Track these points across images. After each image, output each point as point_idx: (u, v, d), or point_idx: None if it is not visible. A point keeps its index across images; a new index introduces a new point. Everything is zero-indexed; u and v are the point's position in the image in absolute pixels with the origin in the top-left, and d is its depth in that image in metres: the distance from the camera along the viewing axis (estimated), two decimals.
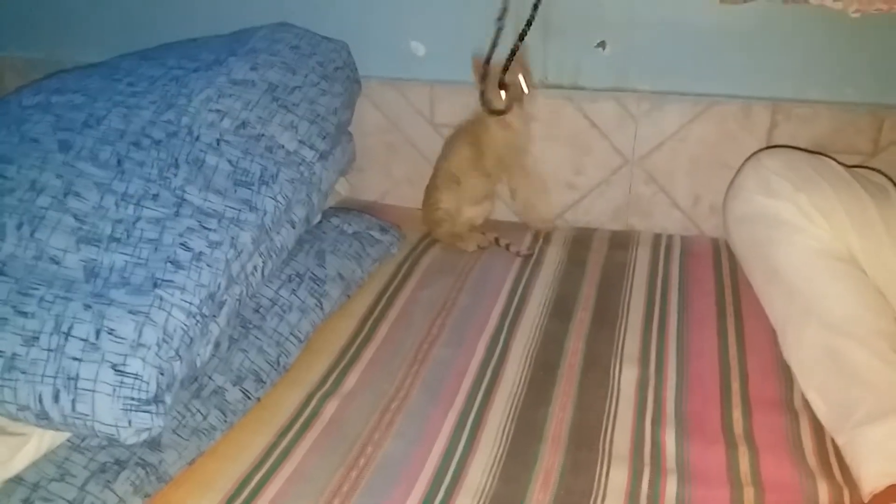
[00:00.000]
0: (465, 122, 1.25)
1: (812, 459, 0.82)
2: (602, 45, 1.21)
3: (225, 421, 0.87)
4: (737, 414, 0.89)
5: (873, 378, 0.80)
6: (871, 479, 0.75)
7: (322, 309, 1.05)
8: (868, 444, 0.77)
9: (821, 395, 0.84)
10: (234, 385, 0.90)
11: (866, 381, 0.80)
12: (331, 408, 0.92)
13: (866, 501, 0.74)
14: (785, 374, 0.93)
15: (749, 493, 0.78)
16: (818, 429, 0.85)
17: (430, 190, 1.29)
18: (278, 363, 0.96)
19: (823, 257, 0.90)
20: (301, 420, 0.90)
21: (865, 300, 0.86)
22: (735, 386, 0.93)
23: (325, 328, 1.05)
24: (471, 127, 1.24)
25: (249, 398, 0.91)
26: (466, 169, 1.24)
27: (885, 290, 0.87)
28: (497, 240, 1.27)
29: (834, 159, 0.99)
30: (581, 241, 1.28)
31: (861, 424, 0.77)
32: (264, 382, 0.93)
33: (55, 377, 0.74)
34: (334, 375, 0.97)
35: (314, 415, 0.91)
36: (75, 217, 0.86)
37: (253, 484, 0.81)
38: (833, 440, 0.82)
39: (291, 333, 0.99)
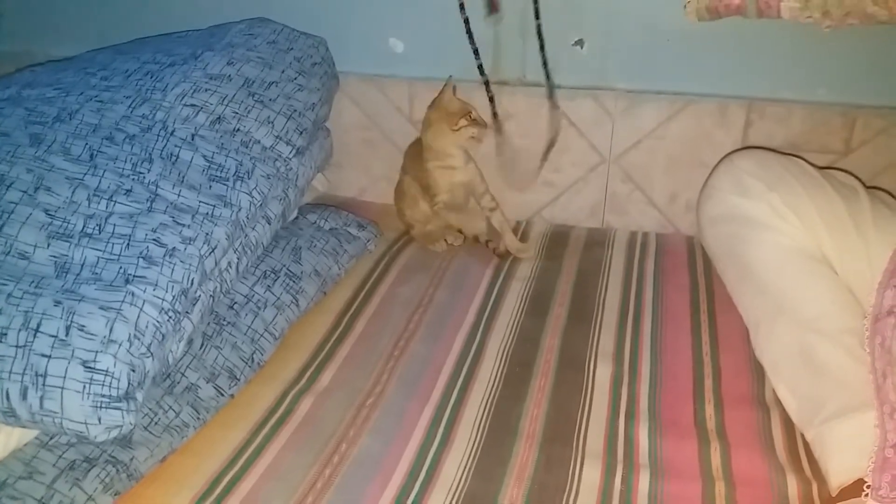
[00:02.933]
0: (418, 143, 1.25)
1: (782, 454, 0.83)
2: (580, 43, 1.22)
3: (198, 418, 0.86)
4: (709, 410, 0.90)
5: (842, 374, 0.81)
6: (839, 474, 0.76)
7: (298, 305, 1.04)
8: (836, 438, 0.77)
9: (791, 390, 0.85)
10: (207, 382, 0.89)
11: (835, 377, 0.81)
12: (306, 404, 0.91)
13: (834, 495, 0.75)
14: (757, 371, 0.94)
15: (720, 487, 0.79)
16: (789, 424, 0.86)
17: (396, 194, 1.30)
18: (252, 360, 0.95)
19: (795, 255, 0.91)
20: (275, 417, 0.89)
21: (836, 298, 0.87)
22: (708, 382, 0.94)
23: (300, 324, 1.05)
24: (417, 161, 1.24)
25: (223, 395, 0.90)
26: (419, 196, 1.25)
27: (854, 288, 0.88)
28: (476, 236, 1.27)
29: (805, 160, 1.01)
30: (558, 238, 1.29)
31: (829, 419, 0.78)
32: (238, 379, 0.92)
33: (23, 374, 0.73)
34: (310, 372, 0.97)
35: (289, 412, 0.90)
36: (46, 212, 0.85)
37: (226, 481, 0.80)
38: (803, 435, 0.83)
39: (266, 330, 0.98)
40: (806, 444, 0.83)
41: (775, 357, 0.89)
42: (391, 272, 1.19)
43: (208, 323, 0.95)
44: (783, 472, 0.80)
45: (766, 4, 0.81)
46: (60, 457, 0.77)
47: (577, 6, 1.19)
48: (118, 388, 0.75)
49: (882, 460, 0.71)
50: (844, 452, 0.76)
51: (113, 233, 0.85)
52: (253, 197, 0.98)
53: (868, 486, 0.71)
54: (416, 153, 1.24)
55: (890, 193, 1.00)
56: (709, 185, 1.03)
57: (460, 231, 1.27)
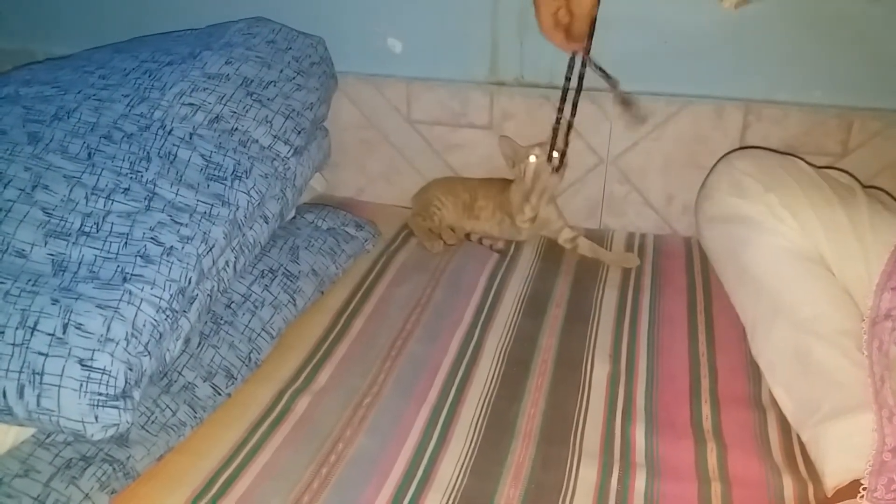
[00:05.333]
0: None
1: (778, 455, 0.83)
2: None
3: (194, 417, 0.86)
4: (706, 410, 0.90)
5: (839, 376, 0.81)
6: (835, 474, 0.76)
7: (295, 305, 1.04)
8: (832, 439, 0.78)
9: (787, 391, 0.85)
10: (204, 381, 0.89)
11: (832, 378, 0.82)
12: (302, 404, 0.91)
13: (830, 496, 0.75)
14: (753, 371, 0.94)
15: (716, 487, 0.79)
16: (785, 425, 0.86)
17: (443, 187, 1.30)
18: (249, 359, 0.95)
19: (792, 257, 0.91)
20: (272, 416, 0.89)
21: (832, 300, 0.88)
22: (704, 383, 0.94)
23: (298, 324, 1.05)
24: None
25: (220, 394, 0.90)
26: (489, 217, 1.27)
27: (851, 290, 0.88)
28: (468, 235, 1.28)
29: (803, 160, 1.01)
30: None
31: (826, 420, 0.79)
32: (235, 378, 0.92)
33: (20, 372, 0.73)
34: (307, 371, 0.97)
35: (285, 411, 0.90)
36: (43, 210, 0.85)
37: (222, 480, 0.80)
38: (799, 436, 0.83)
39: (263, 329, 0.98)
40: (802, 445, 0.83)
41: (772, 358, 0.89)
42: (389, 272, 1.19)
43: (206, 322, 0.95)
44: (779, 472, 0.80)
45: None
46: (57, 455, 0.77)
47: None
48: (115, 387, 0.75)
49: (880, 464, 0.71)
50: (840, 453, 0.76)
51: (111, 231, 0.85)
52: (251, 196, 0.98)
53: (864, 489, 0.71)
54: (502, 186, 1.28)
55: (889, 194, 1.00)
56: (707, 185, 1.04)
57: (452, 229, 1.28)
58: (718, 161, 1.05)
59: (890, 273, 0.82)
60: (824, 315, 0.86)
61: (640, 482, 0.80)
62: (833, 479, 0.76)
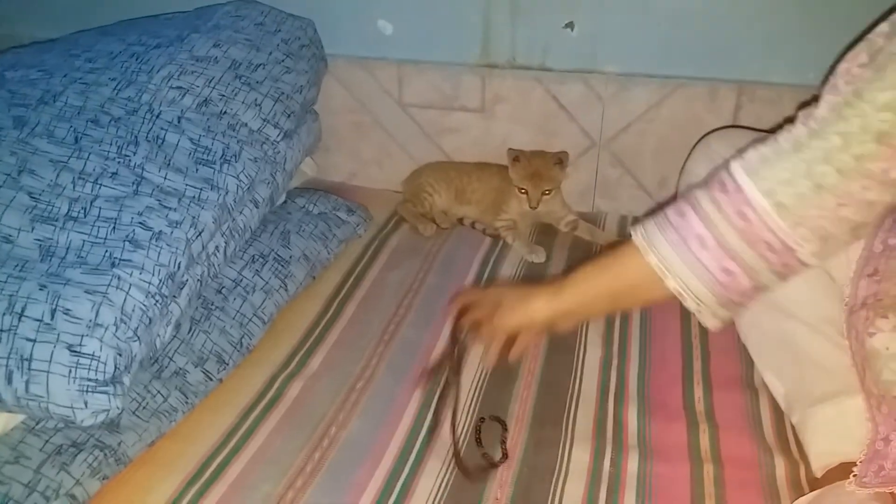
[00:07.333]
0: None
1: (770, 436, 0.84)
2: (570, 25, 1.21)
3: (186, 402, 0.86)
4: (698, 392, 0.90)
5: (824, 361, 0.81)
6: (822, 457, 0.76)
7: (286, 290, 1.04)
8: (819, 422, 0.78)
9: (776, 375, 0.85)
10: (195, 366, 0.89)
11: (818, 364, 0.81)
12: (295, 389, 0.91)
13: (819, 476, 0.76)
14: (745, 354, 0.94)
15: (709, 468, 0.79)
16: (777, 406, 0.86)
17: (436, 172, 1.30)
18: (241, 344, 0.94)
19: None
20: (264, 401, 0.89)
21: (815, 286, 0.87)
22: (697, 365, 0.94)
23: (289, 309, 1.04)
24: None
25: (211, 379, 0.90)
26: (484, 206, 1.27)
27: (834, 275, 0.88)
28: (461, 220, 1.27)
29: None
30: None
31: (814, 404, 0.79)
32: (227, 364, 0.92)
33: (7, 358, 0.72)
34: (299, 356, 0.97)
35: (278, 396, 0.90)
36: (30, 195, 0.84)
37: (214, 465, 0.80)
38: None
39: (255, 314, 0.98)
40: (794, 427, 0.83)
41: (759, 342, 0.89)
42: (381, 256, 1.19)
43: (196, 307, 0.94)
44: (771, 453, 0.81)
45: (785, 266, 0.62)
46: (47, 441, 0.76)
47: None
48: (105, 372, 0.74)
49: (873, 452, 0.71)
50: (827, 436, 0.76)
51: (98, 216, 0.84)
52: (240, 180, 0.97)
53: (854, 475, 0.71)
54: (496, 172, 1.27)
55: None
56: (685, 170, 1.02)
57: (444, 213, 1.28)
58: (697, 143, 1.03)
59: (867, 258, 0.81)
60: (806, 301, 0.85)
61: (632, 464, 0.80)
62: (820, 460, 0.76)
